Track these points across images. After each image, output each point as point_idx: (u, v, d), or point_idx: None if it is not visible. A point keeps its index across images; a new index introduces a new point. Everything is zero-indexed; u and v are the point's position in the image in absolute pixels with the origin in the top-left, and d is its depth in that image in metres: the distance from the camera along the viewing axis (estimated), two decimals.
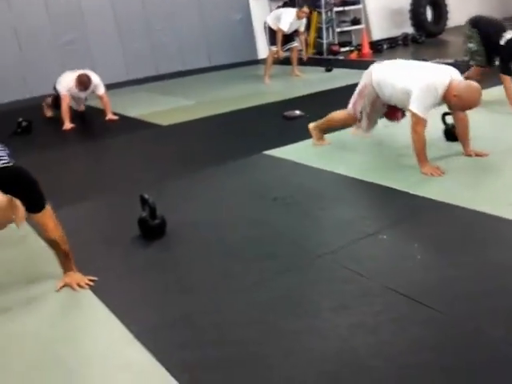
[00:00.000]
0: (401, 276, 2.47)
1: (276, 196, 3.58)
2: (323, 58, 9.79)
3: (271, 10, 9.46)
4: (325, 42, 10.14)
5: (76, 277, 2.68)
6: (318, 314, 2.25)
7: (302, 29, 8.09)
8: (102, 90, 6.42)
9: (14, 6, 8.33)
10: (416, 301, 2.25)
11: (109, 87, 6.81)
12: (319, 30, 10.15)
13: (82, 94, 6.44)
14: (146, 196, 3.23)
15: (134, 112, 6.67)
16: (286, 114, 5.73)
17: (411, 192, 3.40)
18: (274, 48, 7.90)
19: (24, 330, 2.38)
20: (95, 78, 6.35)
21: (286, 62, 8.30)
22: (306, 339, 2.09)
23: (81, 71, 6.29)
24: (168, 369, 2.00)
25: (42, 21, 8.53)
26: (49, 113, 6.86)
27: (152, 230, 3.18)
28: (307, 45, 9.34)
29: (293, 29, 7.89)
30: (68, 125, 6.20)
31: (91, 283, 2.67)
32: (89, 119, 6.65)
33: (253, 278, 2.60)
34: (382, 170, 3.88)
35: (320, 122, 4.55)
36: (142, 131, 5.83)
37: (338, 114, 4.39)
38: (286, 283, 2.52)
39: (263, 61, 8.35)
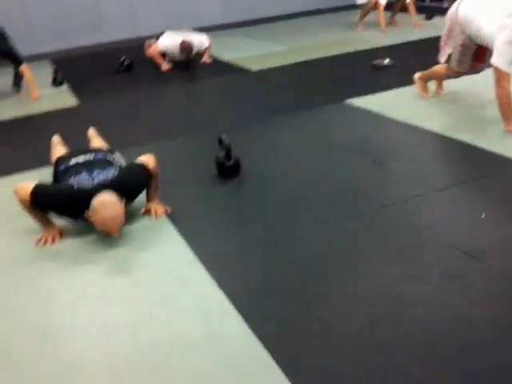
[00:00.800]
0: (461, 232, 2.47)
1: (351, 146, 3.61)
2: (425, 6, 9.40)
3: None
4: None
5: (156, 205, 2.94)
6: (371, 261, 2.31)
7: None
8: (206, 44, 6.56)
9: None
10: (471, 256, 2.26)
11: (207, 30, 6.94)
12: None
13: (182, 57, 6.55)
14: (223, 137, 3.36)
15: (227, 56, 6.80)
16: (375, 62, 5.64)
17: (492, 150, 3.32)
18: None
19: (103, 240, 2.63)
20: (196, 40, 6.47)
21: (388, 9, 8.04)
22: (353, 283, 2.18)
23: (183, 34, 6.45)
24: (227, 294, 2.17)
25: None
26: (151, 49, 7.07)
27: (227, 170, 3.33)
28: None
29: None
30: (165, 66, 6.43)
31: (168, 211, 2.91)
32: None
33: (313, 223, 2.69)
34: (466, 127, 3.78)
35: (425, 72, 4.41)
36: (231, 75, 5.96)
37: (439, 68, 4.23)
38: (347, 228, 2.59)
39: (361, 6, 8.12)
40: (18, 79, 5.77)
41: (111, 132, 3.92)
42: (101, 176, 2.72)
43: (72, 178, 2.74)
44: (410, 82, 4.59)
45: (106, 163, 2.88)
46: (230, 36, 8.27)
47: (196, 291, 2.22)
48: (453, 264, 2.23)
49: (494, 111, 3.69)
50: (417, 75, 4.48)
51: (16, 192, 2.67)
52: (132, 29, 8.43)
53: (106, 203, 2.54)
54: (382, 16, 7.62)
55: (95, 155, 2.97)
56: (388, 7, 7.77)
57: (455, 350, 1.78)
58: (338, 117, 4.28)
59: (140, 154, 2.91)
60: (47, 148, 3.51)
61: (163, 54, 6.53)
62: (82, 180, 2.70)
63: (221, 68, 6.37)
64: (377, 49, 6.49)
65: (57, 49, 7.91)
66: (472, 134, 3.59)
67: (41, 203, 2.66)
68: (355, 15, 8.30)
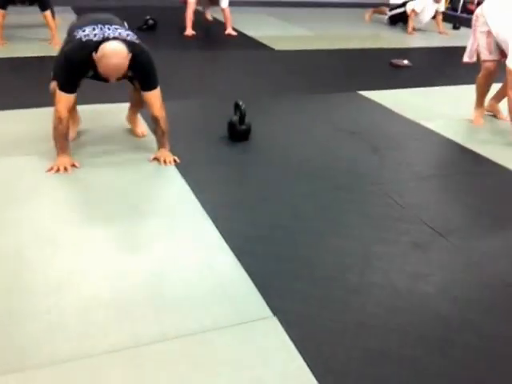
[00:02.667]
0: (433, 213, 2.80)
1: (354, 131, 3.92)
2: (455, 15, 9.64)
3: None
4: None
5: (165, 153, 3.22)
6: (351, 225, 2.64)
7: None
8: (225, 3, 6.84)
9: None
10: (437, 232, 2.61)
11: (233, 3, 7.21)
12: None
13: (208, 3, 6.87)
14: (240, 103, 3.67)
15: (251, 32, 7.11)
16: (394, 61, 5.93)
17: (480, 152, 3.64)
18: None
19: (112, 184, 2.94)
20: None
21: None
22: (334, 239, 2.51)
23: None
24: (221, 232, 2.49)
25: None
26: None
27: (238, 133, 3.64)
28: None
29: None
30: (190, 31, 6.74)
31: (177, 161, 3.20)
32: (210, 30, 7.15)
33: (307, 189, 3.01)
34: (470, 131, 4.08)
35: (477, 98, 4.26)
36: (254, 51, 6.28)
37: (478, 80, 4.18)
38: (335, 197, 2.93)
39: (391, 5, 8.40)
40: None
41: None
42: (115, 33, 2.87)
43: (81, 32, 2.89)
44: (425, 83, 4.87)
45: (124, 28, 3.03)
46: (256, 13, 8.57)
47: (194, 227, 2.54)
48: (420, 236, 2.58)
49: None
50: (487, 101, 4.34)
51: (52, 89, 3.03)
52: None
53: (116, 50, 2.75)
54: (411, 21, 7.87)
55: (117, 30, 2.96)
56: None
57: (405, 298, 2.12)
58: (348, 104, 4.58)
59: None
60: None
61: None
62: (92, 34, 2.85)
63: (245, 42, 6.69)
64: (398, 49, 6.77)
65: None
66: (467, 137, 3.90)
67: (61, 75, 2.94)
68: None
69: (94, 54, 2.78)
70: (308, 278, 2.22)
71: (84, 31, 2.90)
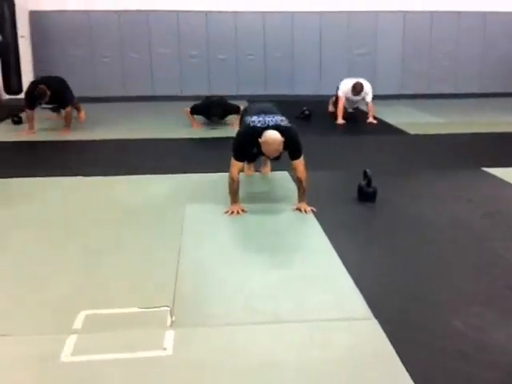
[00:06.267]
0: None
1: (479, 203, 4.48)
2: None
3: None
4: None
5: (304, 205, 4.27)
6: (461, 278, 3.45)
7: None
8: (369, 98, 8.00)
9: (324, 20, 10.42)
10: None
11: (383, 97, 8.37)
12: None
13: (355, 98, 8.10)
14: (368, 170, 4.63)
15: (390, 120, 8.17)
16: None
17: None
18: None
19: (267, 224, 4.04)
20: (367, 87, 7.94)
21: None
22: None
23: (356, 80, 7.94)
24: (353, 278, 3.33)
25: (343, 35, 10.50)
26: (330, 108, 8.68)
27: (366, 194, 4.56)
28: None
29: None
30: (340, 120, 7.97)
31: (314, 210, 4.24)
32: (356, 118, 8.31)
33: (432, 244, 3.85)
34: None
35: None
36: (390, 135, 7.31)
37: None
38: (454, 255, 3.75)
39: None
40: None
41: None
42: (273, 121, 4.08)
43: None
44: None
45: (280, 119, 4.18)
46: (401, 105, 9.62)
47: (328, 272, 3.25)
48: None
49: None
50: None
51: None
52: (317, 87, 10.21)
53: (275, 138, 3.94)
54: None
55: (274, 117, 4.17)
56: None
57: None
58: (474, 180, 5.16)
59: None
60: None
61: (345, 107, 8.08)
62: (257, 121, 4.08)
63: (383, 128, 7.74)
64: None
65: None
66: None
67: (235, 149, 4.17)
68: None
69: (258, 138, 4.02)
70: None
71: (252, 118, 4.19)
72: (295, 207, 4.30)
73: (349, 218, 4.20)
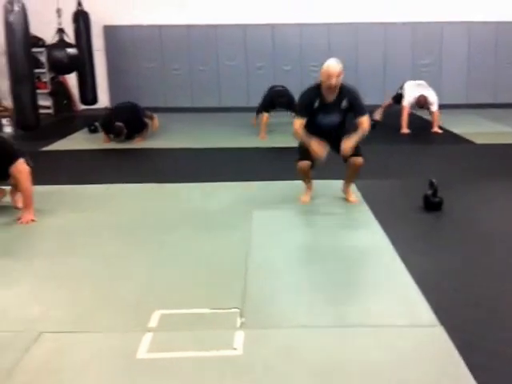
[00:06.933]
0: None
1: None
2: None
3: None
4: None
5: (350, 140, 4.37)
6: None
7: None
8: (434, 108, 7.93)
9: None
10: None
11: (448, 107, 8.29)
12: None
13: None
14: (434, 180, 4.64)
15: (456, 129, 8.08)
16: None
17: None
18: None
19: (319, 227, 4.13)
20: (432, 98, 7.86)
21: None
22: None
23: (420, 90, 7.90)
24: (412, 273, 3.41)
25: (407, 45, 10.52)
26: (378, 116, 8.64)
27: (432, 204, 4.57)
28: None
29: None
30: (405, 130, 7.97)
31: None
32: (420, 128, 8.26)
33: (495, 256, 3.86)
34: None
35: None
36: (455, 145, 7.26)
37: None
38: None
39: None
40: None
41: None
42: None
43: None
44: None
45: None
46: (466, 114, 9.49)
47: (393, 279, 3.34)
48: None
49: None
50: None
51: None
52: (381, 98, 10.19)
53: (335, 63, 4.26)
54: None
55: None
56: None
57: None
58: None
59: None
60: None
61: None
62: None
63: (448, 138, 7.69)
64: None
65: None
66: None
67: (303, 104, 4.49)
68: None
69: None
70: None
71: None
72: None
73: (414, 226, 4.24)
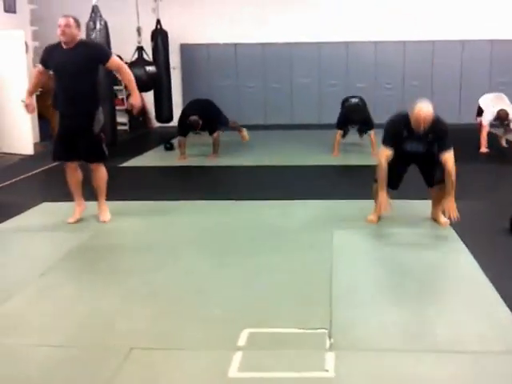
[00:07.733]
0: None
1: None
2: None
3: None
4: None
5: (452, 202, 4.28)
6: None
7: None
8: None
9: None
10: None
11: None
12: None
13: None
14: None
15: None
16: None
17: None
18: None
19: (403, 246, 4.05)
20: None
21: None
22: None
23: (500, 104, 7.64)
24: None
25: (485, 62, 10.27)
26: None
27: None
28: None
29: None
30: (484, 149, 7.66)
31: (458, 218, 4.24)
32: (499, 147, 8.01)
33: None
34: None
35: None
36: None
37: None
38: None
39: None
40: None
41: None
42: None
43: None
44: None
45: None
46: None
47: (485, 303, 3.26)
48: None
49: None
50: None
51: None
52: (458, 115, 9.99)
53: (427, 107, 4.13)
54: None
55: None
56: None
57: None
58: None
59: None
60: None
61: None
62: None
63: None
64: None
65: None
66: None
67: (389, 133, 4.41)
68: None
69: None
70: None
71: None
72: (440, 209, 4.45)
73: (501, 248, 4.12)
